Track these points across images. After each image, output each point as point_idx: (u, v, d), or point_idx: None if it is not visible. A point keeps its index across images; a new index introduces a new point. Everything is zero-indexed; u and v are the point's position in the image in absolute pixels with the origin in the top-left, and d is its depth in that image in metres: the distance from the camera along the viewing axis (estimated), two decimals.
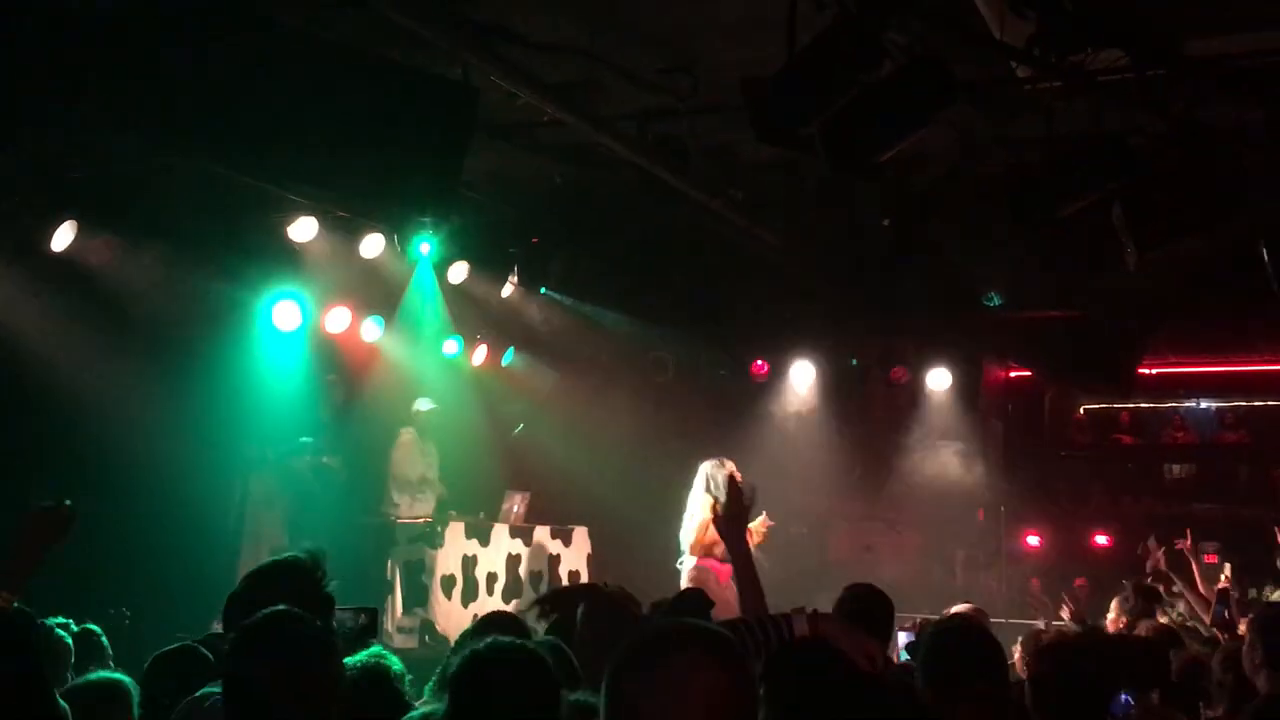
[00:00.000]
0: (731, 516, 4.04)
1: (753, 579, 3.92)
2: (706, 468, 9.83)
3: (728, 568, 9.71)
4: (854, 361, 13.45)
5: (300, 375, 10.25)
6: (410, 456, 10.67)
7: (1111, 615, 8.01)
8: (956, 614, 6.32)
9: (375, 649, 4.09)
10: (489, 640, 3.14)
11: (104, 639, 5.37)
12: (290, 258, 9.61)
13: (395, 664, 4.05)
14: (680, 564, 9.64)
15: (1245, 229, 8.83)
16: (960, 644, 3.83)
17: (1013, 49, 6.95)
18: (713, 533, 9.60)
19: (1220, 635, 7.17)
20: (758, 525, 9.76)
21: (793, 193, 9.79)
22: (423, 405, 10.97)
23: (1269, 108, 7.94)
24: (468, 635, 4.58)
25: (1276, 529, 8.90)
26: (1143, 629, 7.08)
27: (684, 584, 9.63)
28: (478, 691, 3.00)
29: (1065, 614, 9.58)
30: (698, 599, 4.71)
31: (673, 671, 1.96)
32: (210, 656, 4.18)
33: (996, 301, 11.66)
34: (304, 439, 10.19)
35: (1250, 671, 5.01)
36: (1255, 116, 8.06)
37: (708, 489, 9.73)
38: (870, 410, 13.87)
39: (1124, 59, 7.12)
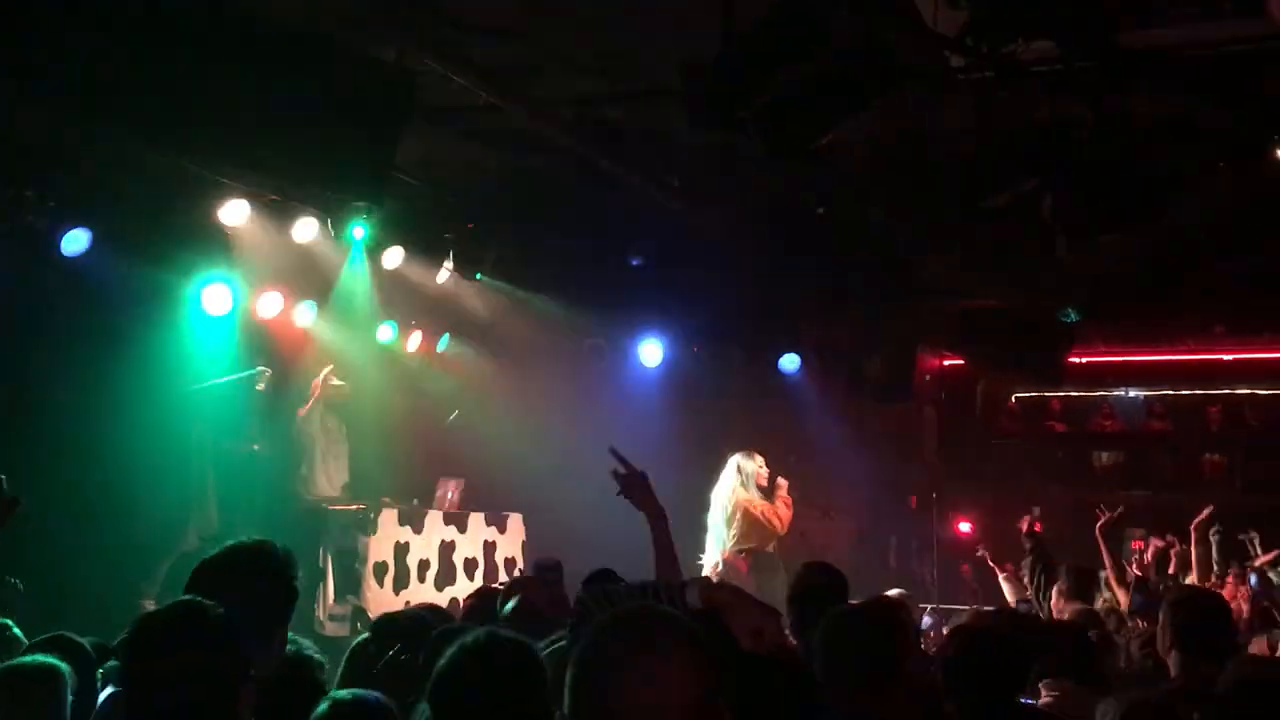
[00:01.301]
0: (631, 484, 4.01)
1: (668, 546, 3.91)
2: (737, 459, 9.89)
3: (748, 560, 9.78)
4: (797, 359, 13.46)
5: (231, 361, 10.11)
6: (311, 430, 10.51)
7: (1054, 599, 8.11)
8: (853, 604, 6.38)
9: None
10: (471, 636, 3.09)
11: (16, 630, 5.24)
12: (221, 241, 9.46)
13: (313, 653, 4.02)
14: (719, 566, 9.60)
15: (1175, 220, 8.98)
16: (851, 630, 3.85)
17: (946, 38, 6.99)
18: (764, 519, 9.65)
19: (1139, 622, 7.28)
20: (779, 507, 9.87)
21: (730, 179, 9.79)
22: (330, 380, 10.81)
23: (1198, 100, 8.06)
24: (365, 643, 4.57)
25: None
26: (1069, 612, 7.20)
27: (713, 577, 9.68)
28: (456, 693, 2.96)
29: (1009, 591, 9.70)
30: (606, 574, 4.67)
31: (648, 654, 1.95)
32: None
33: (1074, 318, 11.73)
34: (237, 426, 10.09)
35: (1162, 653, 5.10)
36: (1185, 109, 8.18)
37: (744, 485, 9.74)
38: (805, 396, 13.93)
39: (1056, 50, 7.19)
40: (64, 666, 4.08)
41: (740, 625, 2.58)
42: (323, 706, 3.30)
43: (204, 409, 9.82)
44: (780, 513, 9.84)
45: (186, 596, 3.12)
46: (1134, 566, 9.60)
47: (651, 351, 13.21)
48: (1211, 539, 10.90)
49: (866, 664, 3.67)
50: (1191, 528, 8.92)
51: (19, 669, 4.06)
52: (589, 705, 1.94)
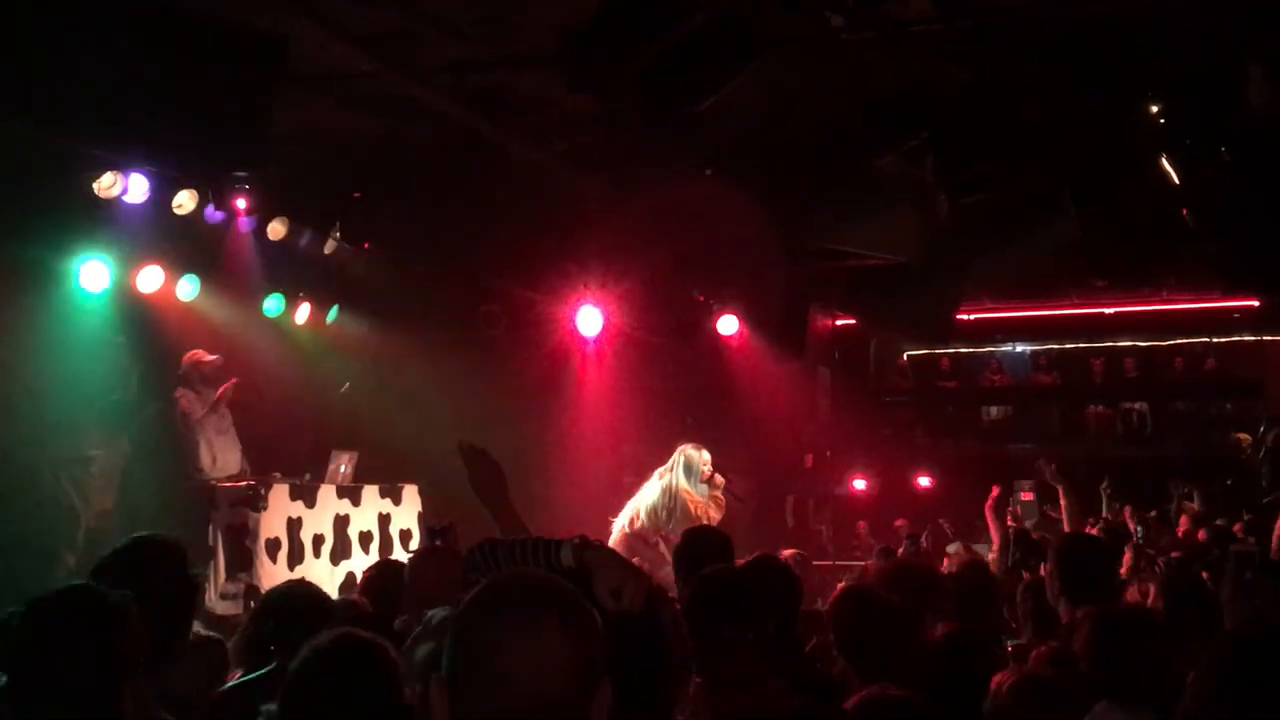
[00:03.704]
0: (484, 484, 3.94)
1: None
2: (687, 450, 9.94)
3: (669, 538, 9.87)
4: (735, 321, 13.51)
5: (111, 339, 9.88)
6: (190, 407, 10.30)
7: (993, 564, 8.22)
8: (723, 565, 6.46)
9: None
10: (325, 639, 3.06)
11: None
12: (97, 216, 9.21)
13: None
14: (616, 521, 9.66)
15: (1054, 177, 9.16)
16: (717, 590, 3.89)
17: None
18: (697, 514, 9.74)
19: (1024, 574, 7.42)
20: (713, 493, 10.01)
21: (614, 144, 9.77)
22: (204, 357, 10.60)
23: (1072, 58, 8.21)
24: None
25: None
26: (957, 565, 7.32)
27: (613, 543, 9.76)
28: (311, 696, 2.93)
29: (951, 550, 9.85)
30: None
31: (528, 624, 1.94)
32: None
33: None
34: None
35: (1052, 600, 5.23)
36: (1060, 68, 8.33)
37: (688, 476, 9.82)
38: (699, 360, 14.01)
39: (933, 10, 7.28)
40: None
41: (601, 585, 2.59)
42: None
43: (84, 388, 9.58)
44: (711, 513, 10.00)
45: (78, 582, 3.07)
46: (1013, 520, 9.84)
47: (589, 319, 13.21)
48: (1103, 493, 11.23)
49: (726, 624, 3.70)
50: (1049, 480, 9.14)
51: None
52: (467, 673, 1.94)
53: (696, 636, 3.67)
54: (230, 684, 4.23)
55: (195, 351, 10.34)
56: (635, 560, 5.78)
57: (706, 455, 10.10)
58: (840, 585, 6.17)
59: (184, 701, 3.48)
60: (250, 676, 4.08)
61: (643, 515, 9.82)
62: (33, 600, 3.00)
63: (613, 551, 3.13)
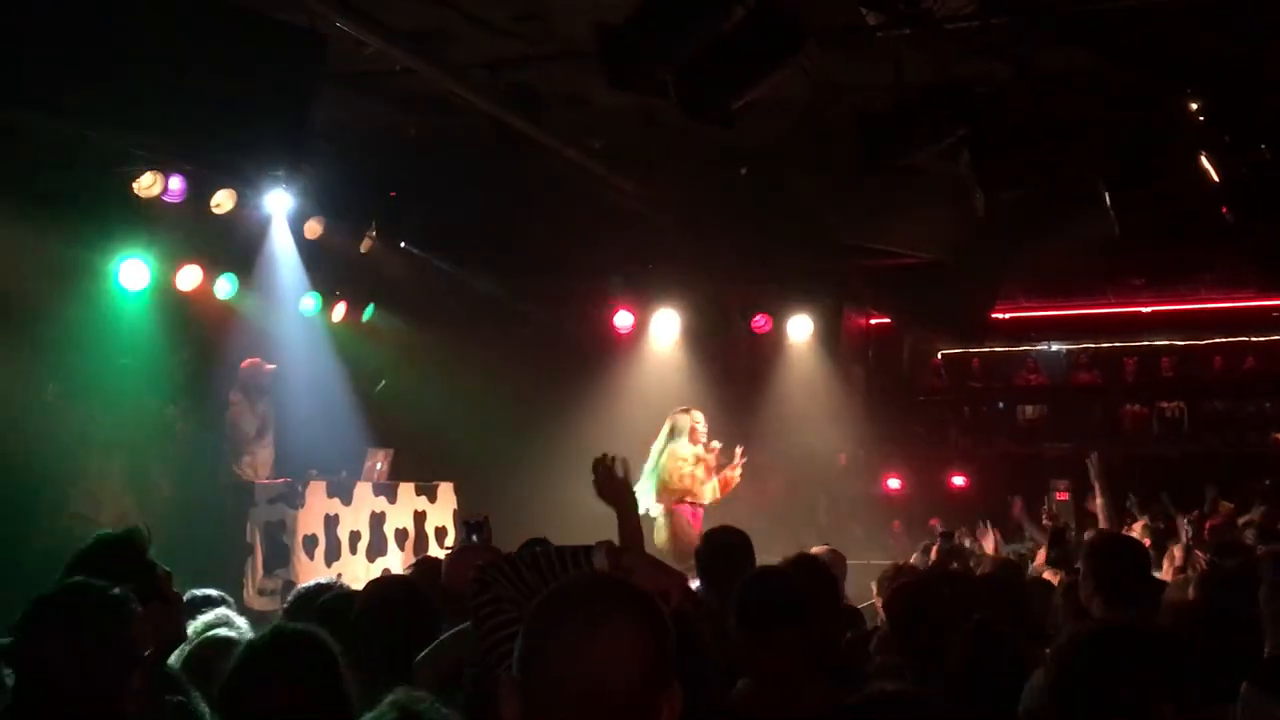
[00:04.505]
0: (609, 490, 3.95)
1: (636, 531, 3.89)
2: (675, 416, 10.10)
3: (698, 512, 10.07)
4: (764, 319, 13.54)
5: (150, 337, 9.96)
6: (241, 416, 10.42)
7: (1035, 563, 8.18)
8: (772, 564, 6.47)
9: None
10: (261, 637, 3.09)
11: None
12: (137, 215, 9.30)
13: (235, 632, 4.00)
14: (650, 513, 9.82)
15: (1091, 174, 9.10)
16: (772, 590, 3.88)
17: None
18: (683, 480, 9.90)
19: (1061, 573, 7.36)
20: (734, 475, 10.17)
21: (650, 141, 9.78)
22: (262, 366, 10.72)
23: (1110, 54, 8.16)
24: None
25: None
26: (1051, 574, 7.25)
27: (661, 531, 10.07)
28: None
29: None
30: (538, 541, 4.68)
31: (602, 628, 1.92)
32: None
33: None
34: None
35: (1085, 601, 5.19)
36: (1098, 64, 8.28)
37: (672, 436, 10.01)
38: (733, 359, 14.00)
39: (969, 7, 7.24)
40: None
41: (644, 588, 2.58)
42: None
43: (125, 387, 9.66)
44: (698, 473, 10.07)
45: (78, 578, 3.10)
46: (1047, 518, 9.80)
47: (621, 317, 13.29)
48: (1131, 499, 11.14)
49: (779, 625, 3.70)
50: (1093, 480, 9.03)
51: None
52: (536, 675, 1.92)
53: (750, 636, 3.67)
54: None
55: (253, 359, 10.47)
56: None
57: (698, 415, 10.23)
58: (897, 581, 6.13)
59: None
60: None
61: (649, 494, 9.95)
62: (37, 597, 3.04)
63: (645, 553, 3.13)
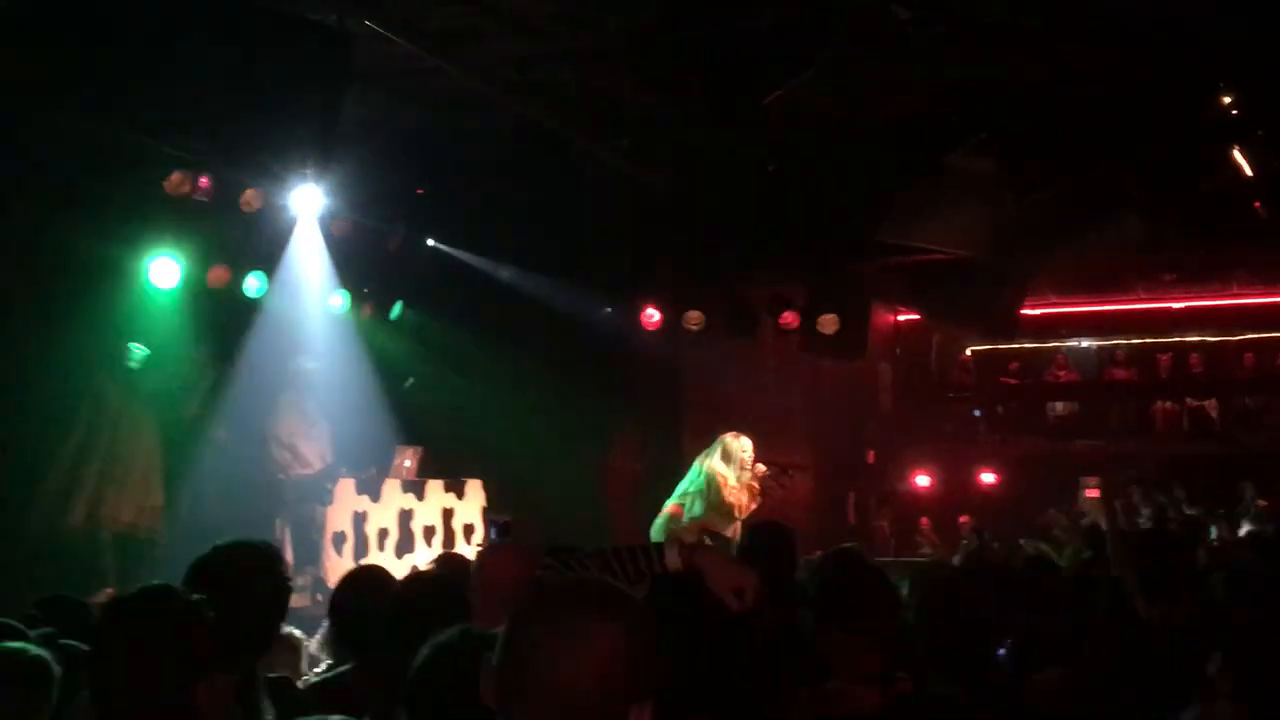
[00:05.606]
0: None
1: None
2: (725, 438, 10.06)
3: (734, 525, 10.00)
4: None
5: (181, 334, 10.01)
6: (286, 415, 10.47)
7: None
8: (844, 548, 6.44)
9: None
10: None
11: None
12: (167, 213, 9.34)
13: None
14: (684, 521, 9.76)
15: (1123, 170, 9.04)
16: (847, 578, 3.86)
17: None
18: (729, 508, 9.86)
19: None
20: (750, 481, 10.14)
21: (679, 139, 9.76)
22: (305, 364, 10.79)
23: (1143, 50, 8.09)
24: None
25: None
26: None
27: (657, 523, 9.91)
28: None
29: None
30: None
31: (567, 626, 1.92)
32: None
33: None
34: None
35: (1128, 597, 5.17)
36: (1131, 59, 8.21)
37: (724, 460, 9.95)
38: (760, 355, 13.96)
39: (1001, 4, 7.20)
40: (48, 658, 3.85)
41: (722, 585, 2.54)
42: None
43: (153, 382, 9.72)
44: (744, 500, 10.05)
45: (158, 583, 3.10)
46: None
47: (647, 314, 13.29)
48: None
49: (863, 613, 3.67)
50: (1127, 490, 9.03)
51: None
52: (501, 661, 1.95)
53: (838, 631, 3.63)
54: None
55: (302, 359, 10.57)
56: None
57: (747, 443, 10.14)
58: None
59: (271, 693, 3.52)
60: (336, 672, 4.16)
61: (675, 495, 9.92)
62: (112, 599, 3.04)
63: (718, 550, 3.09)
